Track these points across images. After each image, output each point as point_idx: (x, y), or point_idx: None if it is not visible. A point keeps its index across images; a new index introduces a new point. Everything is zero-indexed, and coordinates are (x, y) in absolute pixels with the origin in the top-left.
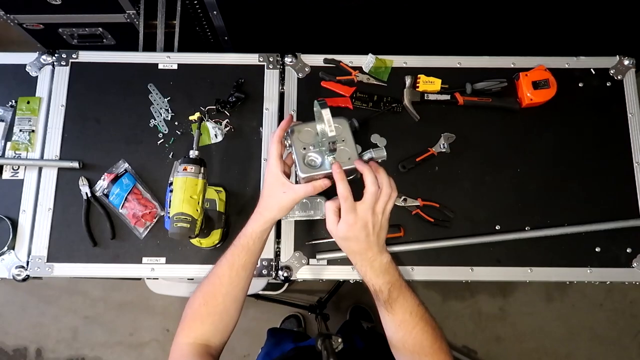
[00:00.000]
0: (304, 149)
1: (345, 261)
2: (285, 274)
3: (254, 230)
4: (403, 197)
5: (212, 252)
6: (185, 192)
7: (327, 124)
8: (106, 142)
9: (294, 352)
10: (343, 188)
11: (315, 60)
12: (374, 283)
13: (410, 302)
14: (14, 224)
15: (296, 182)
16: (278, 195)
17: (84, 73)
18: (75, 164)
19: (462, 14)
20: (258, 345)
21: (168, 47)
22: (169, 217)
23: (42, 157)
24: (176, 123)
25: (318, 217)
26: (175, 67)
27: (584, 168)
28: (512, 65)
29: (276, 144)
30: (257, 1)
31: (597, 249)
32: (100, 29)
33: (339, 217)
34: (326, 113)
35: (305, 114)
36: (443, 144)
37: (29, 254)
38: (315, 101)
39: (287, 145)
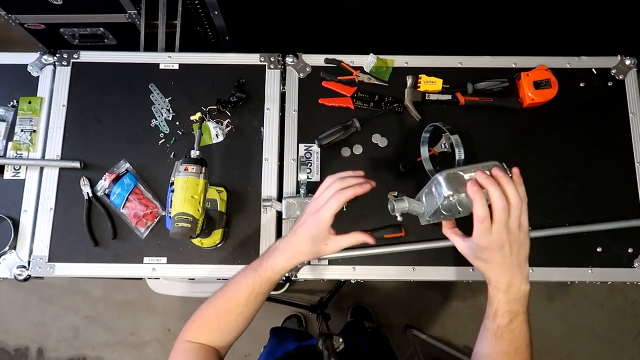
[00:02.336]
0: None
1: (346, 261)
2: (287, 274)
3: (283, 268)
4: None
5: (213, 252)
6: (187, 192)
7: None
8: (107, 142)
9: (297, 350)
10: (480, 209)
11: (316, 60)
12: (499, 307)
13: (522, 338)
14: (16, 224)
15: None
16: (319, 246)
17: (85, 73)
18: (77, 164)
19: (463, 13)
20: (259, 345)
21: (169, 47)
22: (170, 217)
23: (43, 157)
24: (177, 123)
25: None
26: (176, 67)
27: (585, 168)
28: (514, 65)
29: (340, 203)
30: (258, 1)
31: (599, 249)
32: (102, 29)
33: (461, 234)
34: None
35: (306, 114)
36: (444, 144)
37: (30, 253)
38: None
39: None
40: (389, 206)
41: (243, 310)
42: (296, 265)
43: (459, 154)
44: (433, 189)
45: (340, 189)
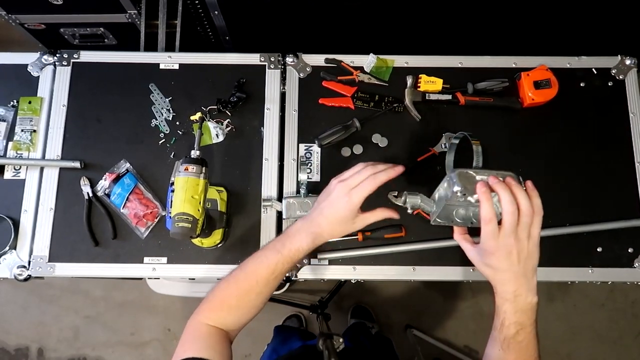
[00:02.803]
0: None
1: (347, 261)
2: (287, 274)
3: (305, 249)
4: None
5: (213, 252)
6: (187, 192)
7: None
8: (107, 142)
9: (302, 350)
10: (487, 210)
11: (317, 60)
12: (506, 317)
13: (530, 351)
14: (16, 224)
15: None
16: (347, 226)
17: (85, 73)
18: (77, 164)
19: (463, 13)
20: (259, 345)
21: (169, 47)
22: (170, 217)
23: (43, 157)
24: (177, 123)
25: None
26: (176, 67)
27: (585, 168)
28: (514, 65)
29: (373, 187)
30: (259, 1)
31: (599, 249)
32: (102, 29)
33: (471, 241)
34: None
35: (306, 114)
36: (444, 144)
37: (31, 253)
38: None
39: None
40: (402, 198)
41: (262, 290)
42: (321, 245)
43: (477, 162)
44: (445, 185)
45: (374, 173)
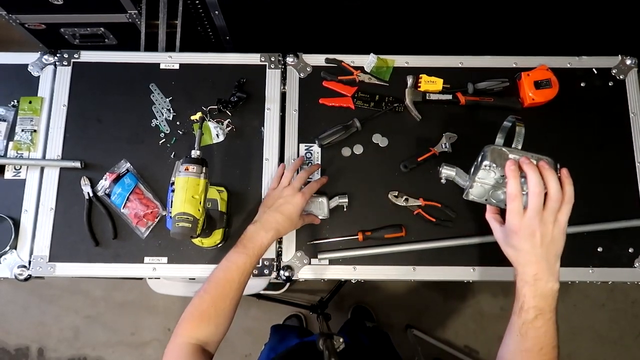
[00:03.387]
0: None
1: (347, 261)
2: (287, 274)
3: (266, 243)
4: (405, 197)
5: (213, 252)
6: (187, 192)
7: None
8: (108, 142)
9: (299, 346)
10: (513, 186)
11: (317, 60)
12: (525, 301)
13: (548, 339)
14: (16, 224)
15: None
16: (297, 223)
17: (85, 73)
18: (77, 164)
19: (464, 13)
20: (259, 345)
21: (170, 47)
22: (170, 217)
23: (44, 157)
24: (178, 123)
25: (320, 217)
26: (176, 67)
27: (586, 168)
28: (514, 65)
29: (310, 193)
30: (259, 1)
31: (599, 249)
32: (102, 29)
33: (500, 220)
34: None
35: (306, 114)
36: (445, 144)
37: (31, 253)
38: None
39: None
40: (439, 168)
41: (236, 294)
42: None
43: (517, 143)
44: (479, 160)
45: (307, 174)
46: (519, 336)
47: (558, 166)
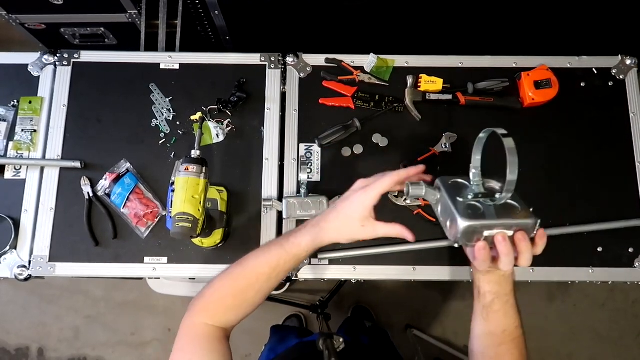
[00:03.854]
0: (460, 197)
1: (347, 261)
2: (288, 274)
3: (308, 246)
4: (405, 197)
5: (213, 252)
6: (187, 191)
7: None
8: (108, 142)
9: (298, 346)
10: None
11: (317, 60)
12: (481, 286)
13: (509, 320)
14: (16, 224)
15: (457, 239)
16: (355, 226)
17: (85, 73)
18: (77, 164)
19: (464, 13)
20: (259, 345)
21: (170, 47)
22: (170, 216)
23: (44, 157)
24: (178, 123)
25: None
26: (176, 67)
27: (585, 168)
28: (514, 65)
29: (391, 183)
30: (259, 1)
31: (599, 249)
32: (102, 29)
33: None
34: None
35: (306, 114)
36: (445, 144)
37: (31, 253)
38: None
39: (431, 196)
40: (404, 189)
41: (262, 287)
42: (322, 246)
43: (511, 174)
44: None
45: (396, 173)
46: (482, 319)
47: (538, 223)
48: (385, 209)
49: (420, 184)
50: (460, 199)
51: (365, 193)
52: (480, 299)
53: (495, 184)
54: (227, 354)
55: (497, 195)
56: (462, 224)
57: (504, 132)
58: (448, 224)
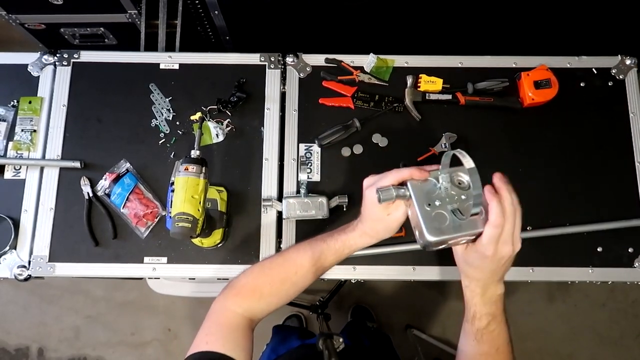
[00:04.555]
0: (429, 205)
1: (347, 261)
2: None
3: (355, 245)
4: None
5: (213, 252)
6: (187, 191)
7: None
8: (108, 142)
9: (301, 349)
10: (497, 214)
11: (317, 60)
12: (477, 310)
13: (502, 338)
14: (16, 224)
15: (424, 247)
16: (384, 219)
17: (85, 73)
18: (77, 164)
19: (463, 13)
20: (259, 344)
21: (169, 47)
22: (170, 216)
23: (43, 157)
24: (177, 123)
25: (320, 217)
26: (176, 67)
27: (585, 168)
28: (514, 65)
29: (395, 179)
30: (259, 1)
31: (599, 249)
32: (102, 29)
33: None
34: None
35: (306, 114)
36: (444, 144)
37: (31, 253)
38: (448, 153)
39: (400, 195)
40: (376, 195)
41: (299, 280)
42: (367, 245)
43: (476, 188)
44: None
45: (398, 170)
46: (475, 341)
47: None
48: None
49: (390, 189)
50: (429, 208)
51: (372, 190)
52: (474, 323)
53: (463, 176)
54: (248, 348)
55: (464, 215)
56: (429, 237)
57: (464, 153)
58: (417, 232)
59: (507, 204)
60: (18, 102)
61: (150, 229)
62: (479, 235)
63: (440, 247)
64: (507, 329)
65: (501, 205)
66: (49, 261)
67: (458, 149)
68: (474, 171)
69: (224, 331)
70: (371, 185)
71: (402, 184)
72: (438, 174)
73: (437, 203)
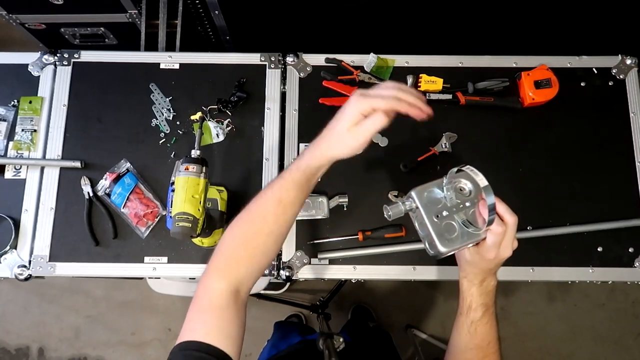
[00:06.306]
0: (437, 217)
1: (347, 261)
2: (287, 274)
3: (308, 166)
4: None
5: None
6: (187, 191)
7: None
8: (108, 141)
9: (301, 344)
10: (499, 223)
11: (317, 59)
12: (473, 300)
13: (493, 332)
14: (16, 224)
15: (434, 256)
16: (343, 134)
17: (85, 73)
18: (77, 164)
19: (464, 13)
20: (260, 345)
21: (170, 47)
22: (170, 216)
23: (44, 157)
24: (178, 122)
25: (320, 217)
26: (177, 66)
27: (586, 167)
28: (514, 65)
29: (388, 106)
30: (259, 1)
31: (599, 249)
32: (102, 29)
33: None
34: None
35: (306, 114)
36: (445, 144)
37: (31, 253)
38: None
39: (408, 209)
40: (384, 213)
41: (272, 229)
42: (323, 165)
43: (490, 199)
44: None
45: (398, 96)
46: (468, 334)
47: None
48: None
49: (399, 205)
50: (437, 220)
51: (357, 101)
52: (469, 314)
53: (465, 183)
54: (235, 333)
55: (474, 225)
56: (442, 249)
57: (475, 171)
58: (427, 243)
59: (506, 215)
60: (18, 101)
61: (150, 229)
62: (482, 240)
63: (449, 254)
64: (497, 325)
65: (501, 215)
66: (50, 261)
67: (469, 166)
68: (488, 188)
69: (207, 316)
70: (358, 95)
71: (407, 195)
72: (442, 183)
73: (444, 213)
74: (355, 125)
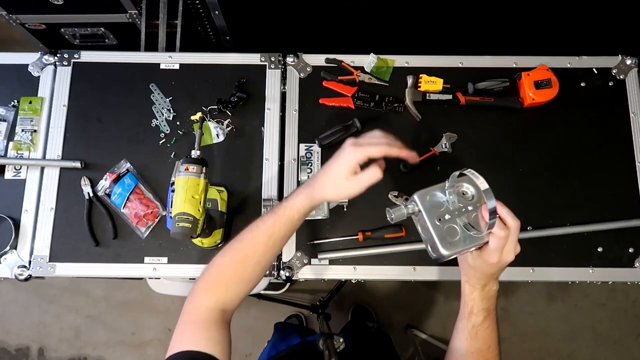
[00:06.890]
0: (439, 220)
1: (347, 261)
2: (287, 274)
3: (302, 206)
4: (405, 197)
5: (213, 252)
6: (187, 192)
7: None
8: (108, 142)
9: (300, 345)
10: (502, 227)
11: (317, 60)
12: (475, 305)
13: (493, 337)
14: (16, 224)
15: (436, 259)
16: (341, 182)
17: (86, 73)
18: (77, 164)
19: (464, 13)
20: (260, 345)
21: (170, 47)
22: (170, 216)
23: (44, 157)
24: (178, 123)
25: (320, 217)
26: (177, 67)
27: (586, 168)
28: (514, 65)
29: (381, 153)
30: (259, 1)
31: (599, 249)
32: (102, 29)
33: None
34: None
35: (306, 114)
36: (445, 144)
37: (31, 253)
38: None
39: (411, 212)
40: (387, 215)
41: (260, 259)
42: (314, 205)
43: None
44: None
45: (388, 143)
46: (469, 339)
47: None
48: (384, 208)
49: (401, 208)
50: (439, 223)
51: (354, 152)
52: (471, 318)
53: (466, 187)
54: (224, 341)
55: (475, 228)
56: (444, 252)
57: (476, 174)
58: (429, 246)
59: (509, 219)
60: (18, 102)
61: (150, 229)
62: (485, 244)
63: (451, 257)
64: (497, 329)
65: (503, 219)
66: (50, 261)
67: (470, 169)
68: (489, 191)
69: (196, 328)
70: (353, 144)
71: (410, 198)
72: (445, 187)
73: (446, 217)
74: (354, 175)
